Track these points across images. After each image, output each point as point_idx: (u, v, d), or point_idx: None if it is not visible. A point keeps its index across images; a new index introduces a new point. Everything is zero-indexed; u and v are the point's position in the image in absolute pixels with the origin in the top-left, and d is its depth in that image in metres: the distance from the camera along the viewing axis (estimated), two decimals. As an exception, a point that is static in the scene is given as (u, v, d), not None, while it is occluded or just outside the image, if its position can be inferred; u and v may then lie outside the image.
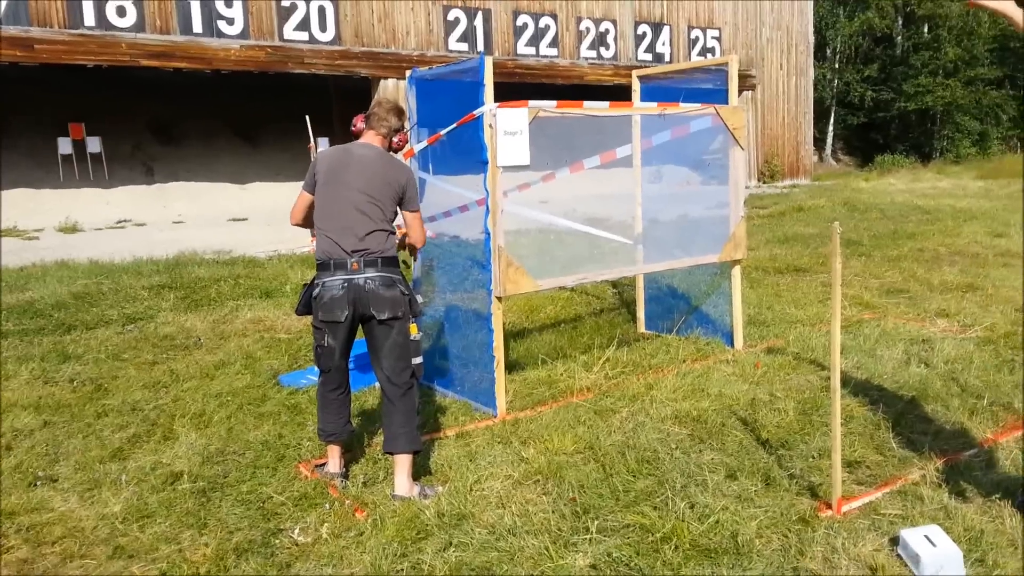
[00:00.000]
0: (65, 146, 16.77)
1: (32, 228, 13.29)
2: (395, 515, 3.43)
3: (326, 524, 3.43)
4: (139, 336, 6.79)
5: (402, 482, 3.66)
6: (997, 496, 3.39)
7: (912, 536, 2.94)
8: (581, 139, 5.91)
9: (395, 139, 3.96)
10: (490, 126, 4.51)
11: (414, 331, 3.77)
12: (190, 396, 5.26)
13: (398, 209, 3.84)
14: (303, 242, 11.89)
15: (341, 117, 20.44)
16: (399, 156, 4.11)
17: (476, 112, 4.57)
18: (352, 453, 4.21)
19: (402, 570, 3.01)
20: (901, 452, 3.95)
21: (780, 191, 19.89)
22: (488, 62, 4.50)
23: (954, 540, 3.01)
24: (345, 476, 3.92)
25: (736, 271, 5.90)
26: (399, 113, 3.93)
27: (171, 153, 18.79)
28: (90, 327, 7.05)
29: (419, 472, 3.90)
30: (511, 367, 5.67)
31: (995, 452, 3.86)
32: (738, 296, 5.91)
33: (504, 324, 6.94)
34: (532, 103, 4.63)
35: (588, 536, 3.23)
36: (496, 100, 4.55)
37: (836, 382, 3.31)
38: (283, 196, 18.14)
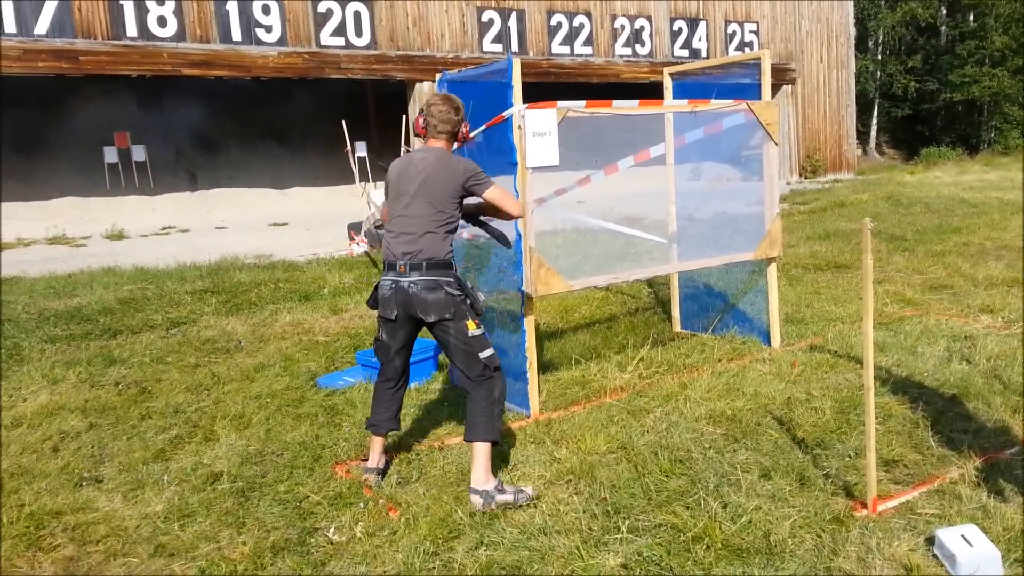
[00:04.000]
0: (111, 155, 17.19)
1: (80, 236, 13.63)
2: (428, 514, 3.47)
3: (360, 523, 3.48)
4: (182, 340, 6.94)
5: (478, 475, 3.62)
6: (1037, 494, 3.32)
7: (948, 536, 2.89)
8: (614, 139, 5.91)
9: (460, 132, 3.96)
10: (519, 127, 4.53)
11: (472, 327, 3.77)
12: (231, 398, 5.36)
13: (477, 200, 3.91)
14: (342, 245, 12.08)
15: (378, 120, 20.67)
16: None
17: (505, 114, 4.60)
18: (391, 453, 4.26)
19: (434, 569, 3.04)
20: (940, 451, 3.88)
21: (822, 186, 19.59)
22: (516, 63, 4.52)
23: (992, 540, 2.96)
24: (381, 473, 3.96)
25: (772, 268, 5.84)
26: (454, 107, 3.93)
27: (213, 160, 19.14)
28: (135, 331, 7.23)
29: (458, 473, 3.94)
30: (545, 367, 5.69)
31: (1037, 450, 3.77)
32: (774, 294, 5.85)
33: (538, 325, 6.99)
34: (561, 103, 4.64)
35: (619, 536, 3.23)
36: (531, 100, 4.57)
37: (869, 380, 3.28)
38: (323, 200, 18.42)
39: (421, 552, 3.14)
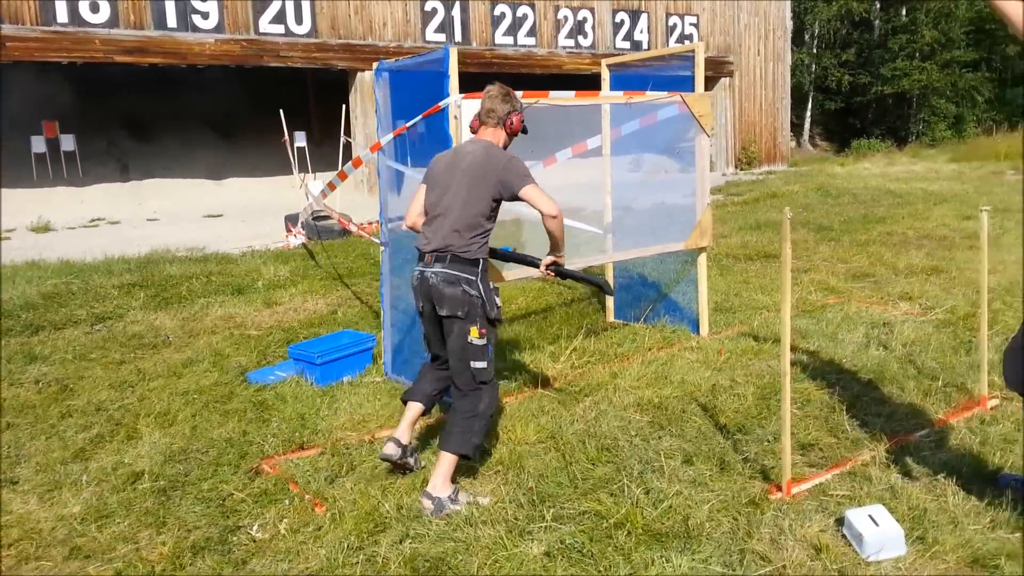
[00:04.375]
0: (38, 144, 16.59)
1: (4, 229, 13.16)
2: (354, 509, 3.47)
3: (285, 520, 3.46)
4: (107, 336, 6.78)
5: (435, 481, 3.50)
6: (943, 475, 3.45)
7: (856, 516, 3.00)
8: (553, 130, 5.94)
9: (510, 121, 3.84)
10: (455, 117, 4.52)
11: (474, 334, 3.64)
12: (156, 395, 5.27)
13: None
14: (279, 237, 11.90)
15: (318, 110, 20.37)
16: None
17: (442, 103, 4.58)
18: (319, 448, 4.24)
19: (357, 564, 3.04)
20: (854, 434, 4.01)
21: (755, 178, 19.98)
22: (453, 52, 4.52)
23: (898, 519, 3.08)
24: (403, 448, 3.76)
25: (702, 259, 5.95)
26: (507, 97, 3.86)
27: (146, 150, 18.63)
28: (58, 327, 7.02)
29: (387, 466, 3.94)
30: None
31: (946, 432, 3.93)
32: (704, 284, 5.97)
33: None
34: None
35: (544, 524, 3.27)
36: (474, 91, 4.56)
37: (785, 366, 3.37)
38: (260, 191, 18.08)
39: (344, 547, 3.14)
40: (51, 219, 13.92)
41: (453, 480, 3.60)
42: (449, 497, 3.50)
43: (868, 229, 10.40)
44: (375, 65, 5.26)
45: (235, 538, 3.33)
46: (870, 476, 3.48)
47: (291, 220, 11.82)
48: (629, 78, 6.22)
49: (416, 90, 4.81)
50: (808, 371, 4.93)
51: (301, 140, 15.57)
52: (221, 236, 12.16)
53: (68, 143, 16.88)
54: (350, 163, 5.66)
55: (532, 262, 4.08)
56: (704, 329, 5.97)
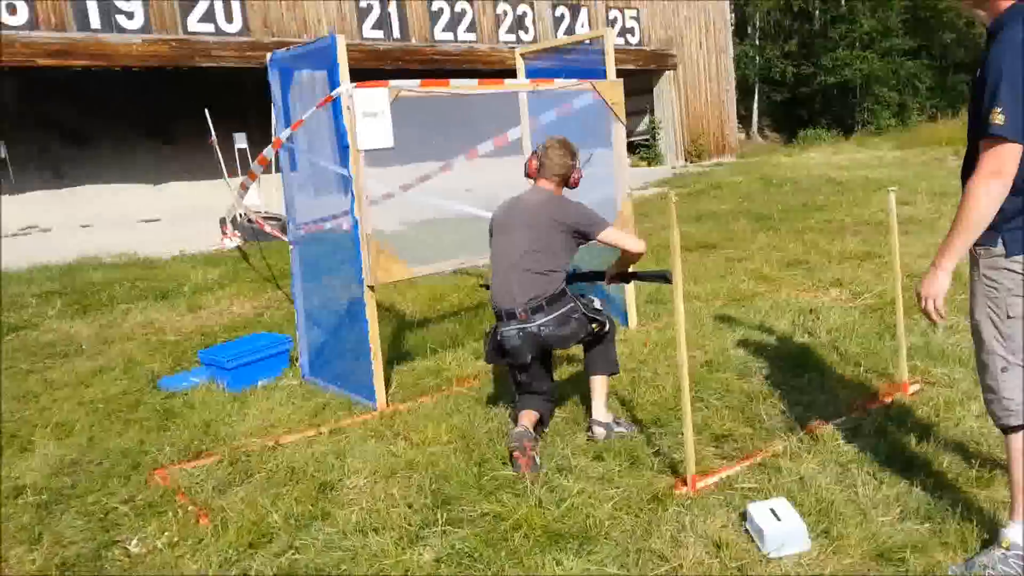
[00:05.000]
0: (-35, 151, 16.02)
1: (-74, 238, 12.65)
2: (240, 520, 3.27)
3: (167, 533, 3.26)
4: (18, 345, 6.47)
5: (597, 406, 3.91)
6: (855, 464, 3.36)
7: (757, 510, 2.89)
8: (472, 122, 5.80)
9: (572, 178, 4.01)
10: (348, 108, 4.34)
11: (597, 328, 3.98)
12: (59, 405, 5.01)
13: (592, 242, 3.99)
14: (212, 240, 11.57)
15: (259, 111, 19.96)
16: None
17: (333, 94, 4.40)
18: (217, 457, 4.03)
19: (229, 578, 2.85)
20: (771, 424, 3.91)
21: (703, 170, 20.02)
22: (340, 40, 4.34)
23: (803, 512, 2.97)
24: (535, 439, 3.77)
25: (626, 250, 5.82)
26: (571, 152, 3.97)
27: (81, 156, 18.07)
28: (-34, 338, 6.70)
29: (286, 472, 3.75)
30: (402, 358, 5.54)
31: (863, 420, 3.84)
32: (629, 275, 5.84)
33: (404, 314, 6.83)
34: (393, 82, 4.48)
35: (439, 529, 3.11)
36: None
37: (682, 356, 3.25)
38: (200, 195, 17.63)
39: (215, 562, 2.95)
40: (-24, 227, 13.43)
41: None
42: (615, 420, 3.93)
43: (807, 217, 10.40)
44: (269, 56, 5.07)
45: (110, 554, 3.12)
46: (780, 467, 3.37)
47: (225, 222, 11.51)
48: (541, 69, 6.07)
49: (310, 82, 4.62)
50: (731, 360, 4.83)
51: (241, 141, 15.19)
52: (155, 241, 11.79)
53: (-2, 149, 16.31)
54: (256, 161, 5.44)
55: (598, 275, 4.33)
56: (632, 321, 5.85)
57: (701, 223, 10.62)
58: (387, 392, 4.82)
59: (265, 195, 11.71)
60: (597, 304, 4.01)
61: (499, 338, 3.88)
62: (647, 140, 25.44)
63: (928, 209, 10.15)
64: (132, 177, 17.79)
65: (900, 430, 3.67)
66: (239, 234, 10.99)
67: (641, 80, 25.05)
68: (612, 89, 5.47)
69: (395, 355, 5.59)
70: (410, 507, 3.33)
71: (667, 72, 23.79)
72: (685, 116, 25.19)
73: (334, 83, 4.36)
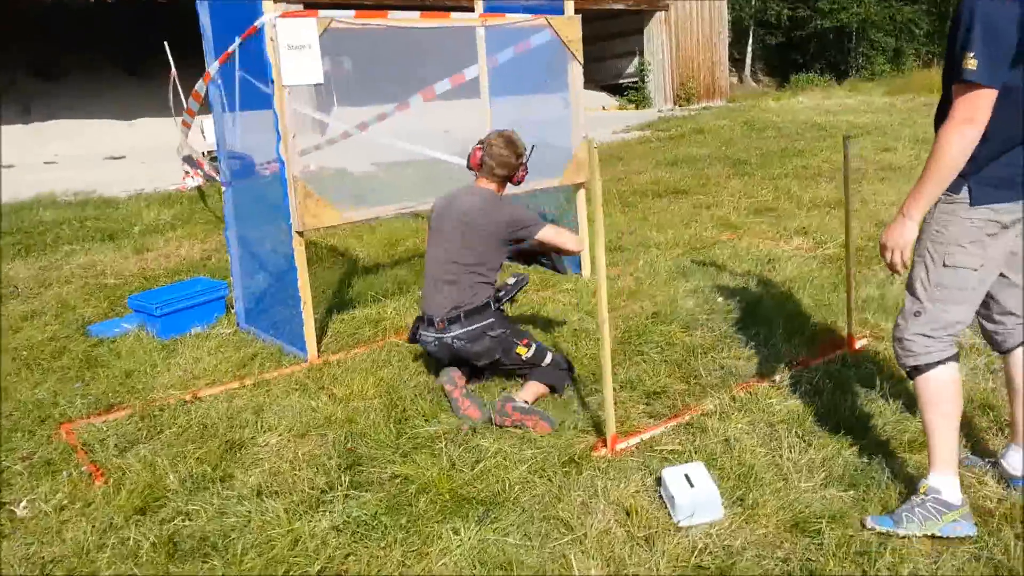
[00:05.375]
0: (-74, 85, 15.52)
1: None
2: (136, 481, 3.09)
3: (59, 494, 3.07)
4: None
5: (520, 394, 3.57)
6: (784, 425, 3.19)
7: (672, 476, 2.71)
8: (427, 59, 5.51)
9: (515, 177, 3.90)
10: (271, 39, 4.04)
11: (524, 352, 3.67)
12: (-17, 351, 4.80)
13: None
14: (174, 180, 11.24)
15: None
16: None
17: (257, 23, 4.09)
18: (129, 410, 3.84)
19: (106, 547, 2.67)
20: (708, 380, 3.73)
21: (688, 114, 19.61)
22: (262, -37, 4.02)
23: (723, 476, 2.81)
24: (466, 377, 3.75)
25: (580, 195, 5.58)
26: (515, 152, 3.84)
27: (51, 90, 17.56)
28: (-100, 279, 6.46)
29: (199, 429, 3.57)
30: (345, 306, 5.32)
31: (803, 375, 3.66)
32: (584, 223, 5.61)
33: (358, 259, 6.60)
34: (323, 12, 4.17)
35: (341, 493, 2.93)
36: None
37: (603, 313, 3.04)
38: (171, 132, 17.18)
39: (98, 528, 2.77)
40: (-63, 164, 13.04)
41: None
42: (524, 401, 3.49)
43: (784, 163, 10.12)
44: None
45: (-8, 517, 2.94)
46: (707, 427, 3.19)
47: (188, 161, 11.17)
48: (507, 6, 5.72)
49: (237, 16, 4.30)
50: (679, 312, 4.63)
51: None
52: (116, 179, 11.46)
53: (-40, 82, 15.80)
54: (191, 97, 5.14)
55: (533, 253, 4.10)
56: (586, 270, 5.63)
57: (676, 168, 10.33)
58: (321, 343, 4.63)
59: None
60: (520, 330, 3.83)
61: (418, 339, 3.81)
62: (635, 83, 24.91)
63: (909, 156, 9.89)
64: (102, 113, 17.30)
65: (839, 389, 3.49)
66: (200, 174, 10.66)
67: (631, 20, 24.42)
68: (568, 25, 5.16)
69: (337, 303, 5.38)
70: (318, 469, 3.15)
71: (658, 13, 23.19)
72: (675, 59, 24.65)
73: (257, 12, 4.05)
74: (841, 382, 3.56)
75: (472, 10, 5.90)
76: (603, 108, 24.71)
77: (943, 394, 2.52)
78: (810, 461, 2.91)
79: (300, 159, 9.00)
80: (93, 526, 2.81)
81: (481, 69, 5.85)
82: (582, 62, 5.31)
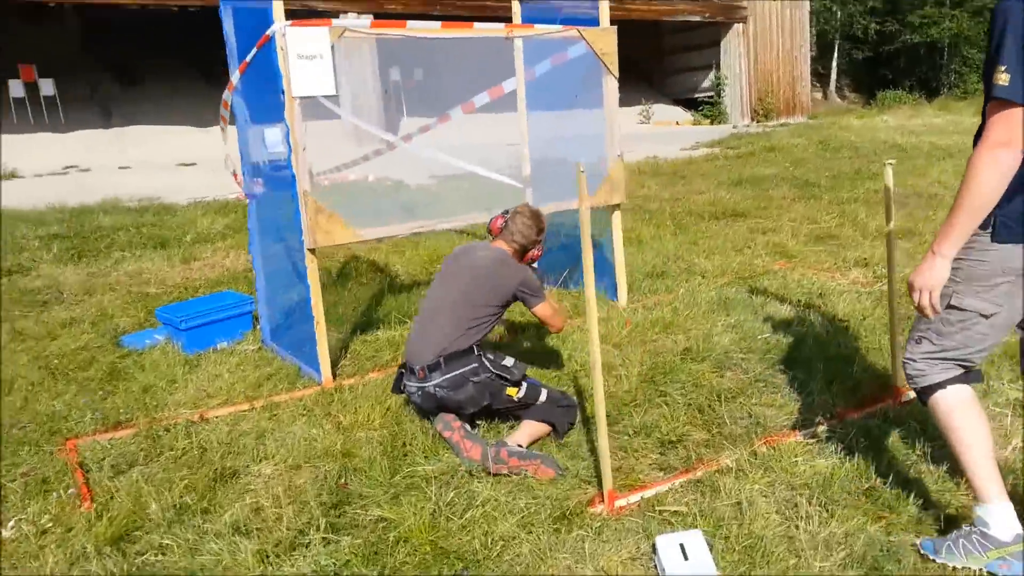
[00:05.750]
0: (17, 89, 16.21)
1: (-33, 175, 12.82)
2: (117, 509, 3.00)
3: (45, 516, 3.01)
4: (4, 290, 6.37)
5: (515, 436, 3.37)
6: (807, 489, 2.89)
7: (665, 545, 2.47)
8: (464, 72, 5.42)
9: (531, 252, 3.86)
10: (281, 48, 3.94)
11: (514, 394, 3.47)
12: (14, 359, 4.85)
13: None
14: (234, 188, 11.41)
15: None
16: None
17: (268, 32, 4.01)
18: (136, 429, 3.78)
19: (66, 582, 2.58)
20: (731, 430, 3.45)
21: (763, 130, 19.04)
22: (277, -30, 3.93)
23: (726, 548, 2.55)
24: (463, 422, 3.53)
25: (616, 217, 5.33)
26: (538, 227, 3.82)
27: (131, 95, 18.17)
28: (-43, 281, 6.65)
29: (198, 452, 3.48)
30: (371, 325, 5.21)
31: (837, 431, 3.35)
32: (619, 246, 5.36)
33: (396, 276, 6.48)
34: (336, 21, 4.06)
35: (320, 536, 2.78)
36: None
37: (596, 355, 2.80)
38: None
39: (70, 557, 2.68)
40: (20, 166, 13.55)
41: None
42: (518, 445, 3.28)
43: (855, 186, 9.64)
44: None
45: (-24, 539, 2.89)
46: (719, 487, 2.93)
47: (253, 170, 11.29)
48: (544, 18, 5.54)
49: (256, 18, 4.22)
50: (713, 349, 4.35)
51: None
52: (182, 185, 11.70)
53: (48, 88, 16.47)
54: (221, 106, 5.11)
55: None
56: (623, 298, 5.38)
57: (739, 188, 9.96)
58: (338, 365, 4.53)
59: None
60: (508, 362, 3.54)
61: (403, 389, 3.64)
62: (711, 97, 24.39)
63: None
64: (179, 119, 17.77)
65: (875, 448, 3.17)
66: (260, 181, 10.75)
67: (708, 33, 23.94)
68: (603, 37, 4.94)
69: (364, 322, 5.28)
70: (303, 506, 3.01)
71: (736, 25, 22.66)
72: (753, 73, 24.05)
73: (268, 20, 3.97)
74: (879, 440, 3.24)
75: (508, 20, 5.74)
76: (676, 123, 24.27)
77: (954, 419, 2.36)
78: (830, 536, 2.62)
79: (351, 170, 8.93)
80: (65, 554, 2.73)
81: (519, 82, 5.70)
82: (617, 76, 5.07)
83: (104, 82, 18.38)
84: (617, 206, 5.25)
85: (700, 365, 4.13)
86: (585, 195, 2.70)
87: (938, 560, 2.39)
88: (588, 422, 3.60)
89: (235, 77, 4.55)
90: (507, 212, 3.87)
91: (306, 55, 3.92)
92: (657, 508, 2.81)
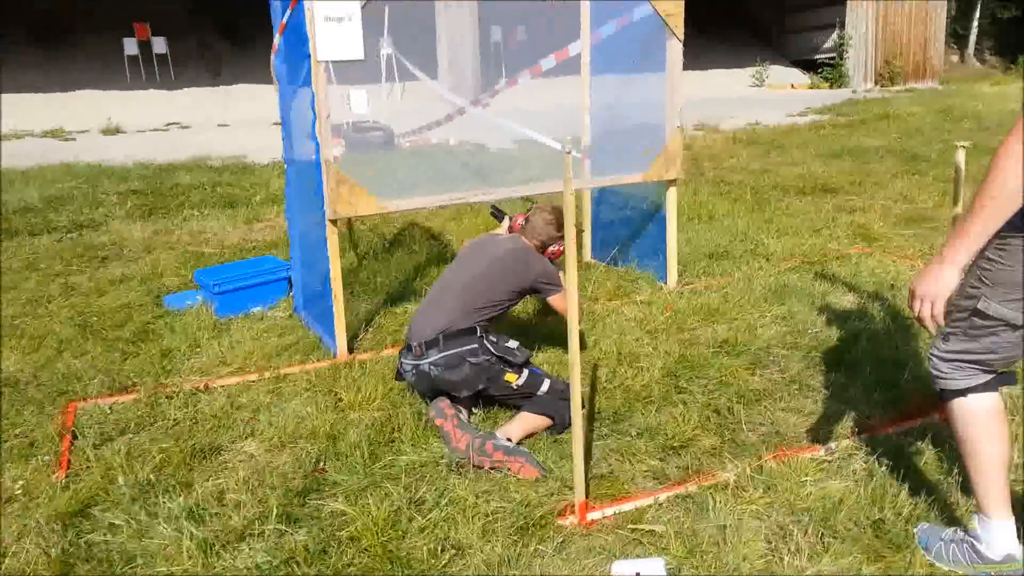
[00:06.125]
0: (131, 47, 16.87)
1: (77, 129, 13.43)
2: (85, 482, 2.94)
3: (19, 483, 3.00)
4: (71, 244, 6.56)
5: (510, 428, 3.13)
6: (807, 515, 2.53)
7: (620, 572, 2.19)
8: (530, 34, 5.15)
9: (551, 249, 3.76)
10: (308, 10, 3.77)
11: (512, 379, 3.28)
12: (61, 314, 4.95)
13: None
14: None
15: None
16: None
17: (298, -6, 3.83)
18: (138, 394, 3.74)
19: (7, 555, 2.52)
20: (746, 437, 3.10)
21: (886, 96, 17.74)
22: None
23: (694, 579, 2.24)
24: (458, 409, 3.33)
25: (671, 193, 4.94)
26: (557, 224, 3.71)
27: (240, 55, 18.61)
28: (33, 233, 6.89)
29: (189, 424, 3.41)
30: (403, 297, 5.05)
31: (862, 447, 2.94)
32: (673, 224, 4.98)
33: (448, 243, 6.30)
34: (367, -17, 3.84)
35: (272, 526, 2.63)
36: None
37: (575, 356, 2.50)
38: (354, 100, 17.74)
39: (15, 531, 2.63)
40: (128, 122, 14.10)
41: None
42: (507, 440, 3.03)
43: (969, 162, 8.73)
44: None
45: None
46: (708, 505, 2.60)
47: (335, 131, 11.34)
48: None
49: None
50: (755, 342, 3.96)
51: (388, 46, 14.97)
52: (272, 145, 11.83)
53: (160, 46, 17.07)
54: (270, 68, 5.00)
55: None
56: (672, 279, 5.01)
57: (838, 161, 9.24)
58: (357, 339, 4.38)
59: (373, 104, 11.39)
60: (511, 344, 3.31)
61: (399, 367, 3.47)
62: (832, 59, 22.97)
63: None
64: (284, 78, 18.12)
65: (899, 471, 2.75)
66: (342, 142, 10.78)
67: (833, -11, 22.53)
68: (667, -2, 4.51)
69: (400, 292, 5.12)
70: (272, 490, 2.87)
71: (861, -19, 21.15)
72: (881, 33, 22.49)
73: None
74: (906, 462, 2.83)
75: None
76: (791, 86, 23.01)
77: (970, 430, 2.15)
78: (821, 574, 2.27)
79: (433, 132, 8.72)
80: (22, 526, 2.68)
81: (584, 44, 5.38)
82: (681, 39, 4.65)
83: (215, 41, 18.90)
84: (673, 181, 4.86)
85: (734, 360, 3.77)
86: (570, 180, 2.39)
87: (927, 557, 2.30)
88: (595, 418, 3.32)
89: (276, 39, 4.41)
90: (529, 210, 3.80)
91: (334, 17, 3.75)
92: (634, 524, 2.52)
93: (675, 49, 4.69)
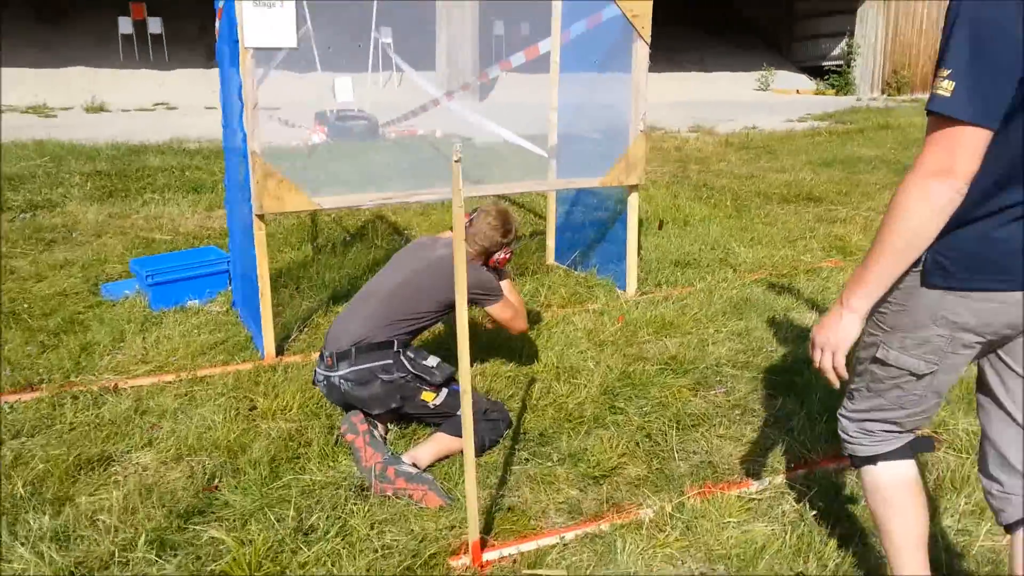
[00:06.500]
0: (126, 26, 16.62)
1: (60, 107, 13.18)
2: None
3: None
4: (21, 226, 6.32)
5: (422, 451, 2.91)
6: (723, 564, 2.29)
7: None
8: (505, 30, 4.89)
9: (496, 256, 3.42)
10: (237, -14, 3.53)
11: (430, 398, 3.04)
12: (-11, 301, 4.71)
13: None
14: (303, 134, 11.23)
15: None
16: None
17: (225, -25, 3.59)
18: (42, 393, 3.51)
19: None
20: (676, 468, 2.85)
21: (891, 106, 17.43)
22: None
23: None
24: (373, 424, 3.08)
25: (633, 199, 4.69)
26: (502, 229, 3.37)
27: (236, 37, 18.33)
28: (-14, 213, 6.65)
29: (92, 427, 3.18)
30: (349, 296, 4.78)
31: (795, 484, 2.70)
32: (633, 231, 4.72)
33: (411, 239, 6.04)
34: (298, -33, 3.59)
35: (141, 555, 2.39)
36: None
37: (466, 383, 2.24)
38: (354, 85, 17.48)
39: None
40: (112, 100, 13.86)
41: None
42: (412, 465, 2.79)
43: (962, 175, 8.48)
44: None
45: None
46: (617, 548, 2.35)
47: (320, 118, 11.10)
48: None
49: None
50: (704, 360, 3.71)
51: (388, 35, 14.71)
52: (265, 130, 11.58)
53: (155, 26, 16.81)
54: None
55: None
56: (631, 287, 4.76)
57: (828, 169, 8.97)
58: (290, 339, 4.15)
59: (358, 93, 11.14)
60: (430, 362, 3.05)
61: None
62: (839, 66, 22.65)
63: None
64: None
65: (834, 513, 2.51)
66: (325, 130, 10.54)
67: (845, -2, 22.23)
68: (633, -3, 4.26)
69: (346, 292, 4.87)
70: (156, 509, 2.63)
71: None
72: (890, 42, 22.15)
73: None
74: (840, 504, 2.58)
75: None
76: (797, 91, 22.68)
77: (879, 502, 1.88)
78: (726, 632, 2.03)
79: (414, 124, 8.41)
80: None
81: (554, 43, 5.14)
82: (648, 41, 4.40)
83: (213, 21, 18.64)
84: (634, 187, 4.60)
85: (678, 379, 3.52)
86: (459, 189, 2.13)
87: None
88: (519, 439, 3.08)
89: (217, 24, 4.17)
90: (475, 211, 3.44)
91: (263, 3, 3.50)
92: (532, 567, 2.27)
93: (641, 51, 4.44)
